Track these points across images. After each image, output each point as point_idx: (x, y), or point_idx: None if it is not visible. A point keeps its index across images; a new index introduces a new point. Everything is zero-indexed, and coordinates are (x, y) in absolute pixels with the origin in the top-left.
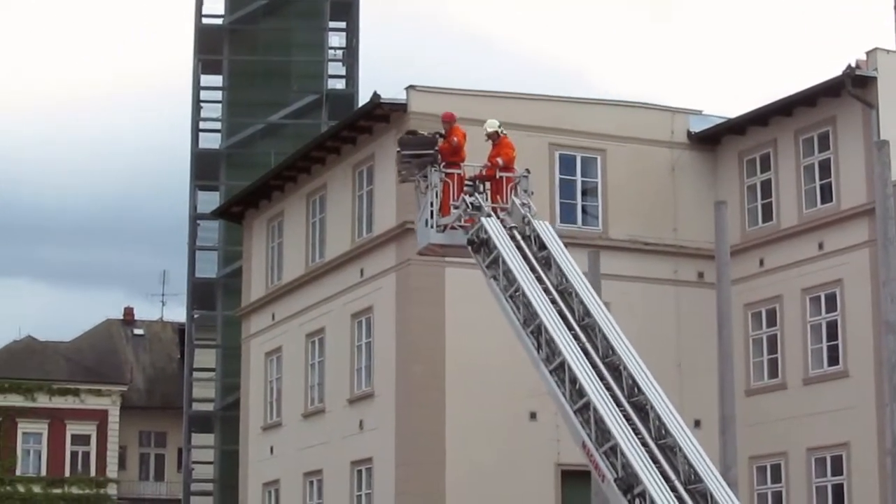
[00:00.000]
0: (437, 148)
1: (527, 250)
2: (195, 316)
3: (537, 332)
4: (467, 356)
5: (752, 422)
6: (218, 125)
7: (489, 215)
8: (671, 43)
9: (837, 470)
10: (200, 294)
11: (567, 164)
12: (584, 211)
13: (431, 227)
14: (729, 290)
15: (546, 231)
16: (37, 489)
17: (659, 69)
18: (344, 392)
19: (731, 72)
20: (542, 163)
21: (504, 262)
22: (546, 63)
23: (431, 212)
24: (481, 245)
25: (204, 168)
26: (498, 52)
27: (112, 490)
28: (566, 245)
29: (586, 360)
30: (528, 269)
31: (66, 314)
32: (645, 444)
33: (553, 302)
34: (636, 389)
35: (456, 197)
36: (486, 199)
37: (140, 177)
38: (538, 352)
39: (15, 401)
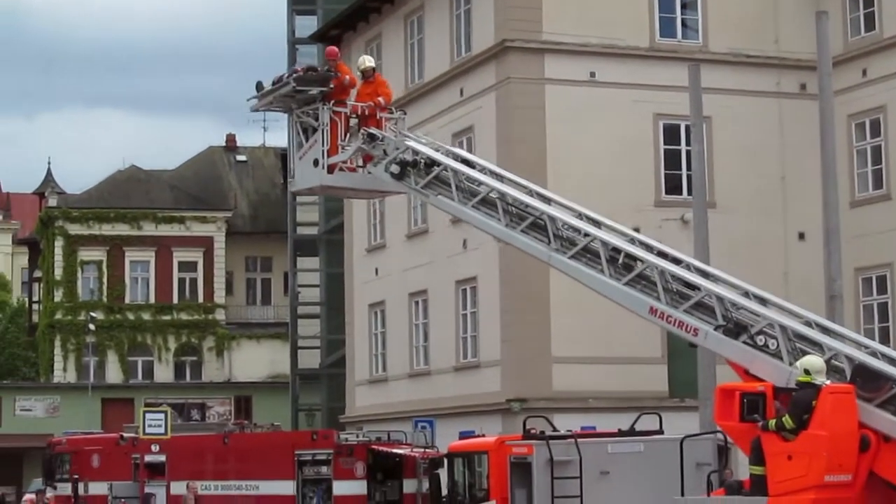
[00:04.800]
0: (332, 85)
1: None
2: None
3: (536, 226)
4: (569, 173)
5: (857, 233)
6: None
7: (406, 139)
8: None
9: None
10: None
11: None
12: (683, 24)
13: (323, 167)
14: (832, 102)
15: (466, 153)
16: (146, 316)
17: None
18: None
19: None
20: None
21: (458, 172)
22: None
23: (324, 151)
24: (406, 168)
25: None
26: None
27: (220, 315)
28: (667, 59)
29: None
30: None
31: (169, 142)
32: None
33: None
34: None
35: (343, 136)
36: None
37: (236, 2)
38: (548, 245)
39: (121, 230)
